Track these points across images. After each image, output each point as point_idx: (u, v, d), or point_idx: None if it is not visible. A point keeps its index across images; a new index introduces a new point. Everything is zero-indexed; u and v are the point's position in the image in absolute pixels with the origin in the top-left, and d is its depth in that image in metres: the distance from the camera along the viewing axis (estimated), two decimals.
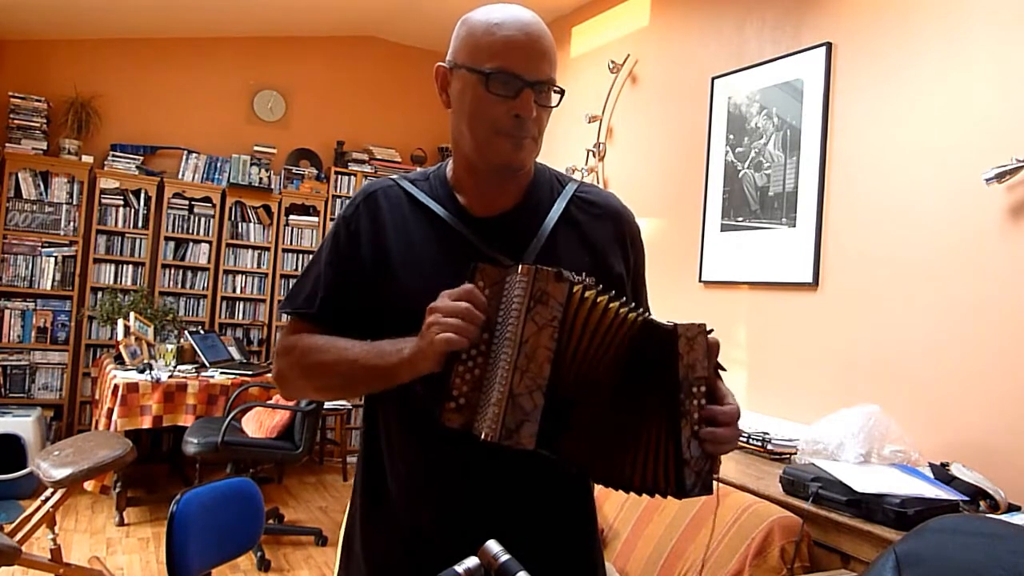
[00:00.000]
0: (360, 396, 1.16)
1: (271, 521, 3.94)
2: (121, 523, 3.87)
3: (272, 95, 5.69)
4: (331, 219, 5.70)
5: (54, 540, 2.93)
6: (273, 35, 5.65)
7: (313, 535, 3.86)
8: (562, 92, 1.09)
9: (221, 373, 4.32)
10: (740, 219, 3.27)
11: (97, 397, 4.52)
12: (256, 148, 5.53)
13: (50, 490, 2.96)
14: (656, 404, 0.93)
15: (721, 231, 3.37)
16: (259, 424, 3.86)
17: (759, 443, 2.66)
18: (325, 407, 4.26)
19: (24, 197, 4.85)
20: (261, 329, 5.57)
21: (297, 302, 1.15)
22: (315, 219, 5.69)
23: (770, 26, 3.22)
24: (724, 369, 1.01)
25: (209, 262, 5.37)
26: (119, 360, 4.36)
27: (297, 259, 5.65)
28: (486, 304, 0.92)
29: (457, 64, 1.08)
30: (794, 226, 2.99)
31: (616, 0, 4.32)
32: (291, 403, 3.80)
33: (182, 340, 4.69)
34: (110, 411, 3.89)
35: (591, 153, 4.32)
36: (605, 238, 1.16)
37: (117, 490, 3.92)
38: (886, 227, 2.64)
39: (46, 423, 4.64)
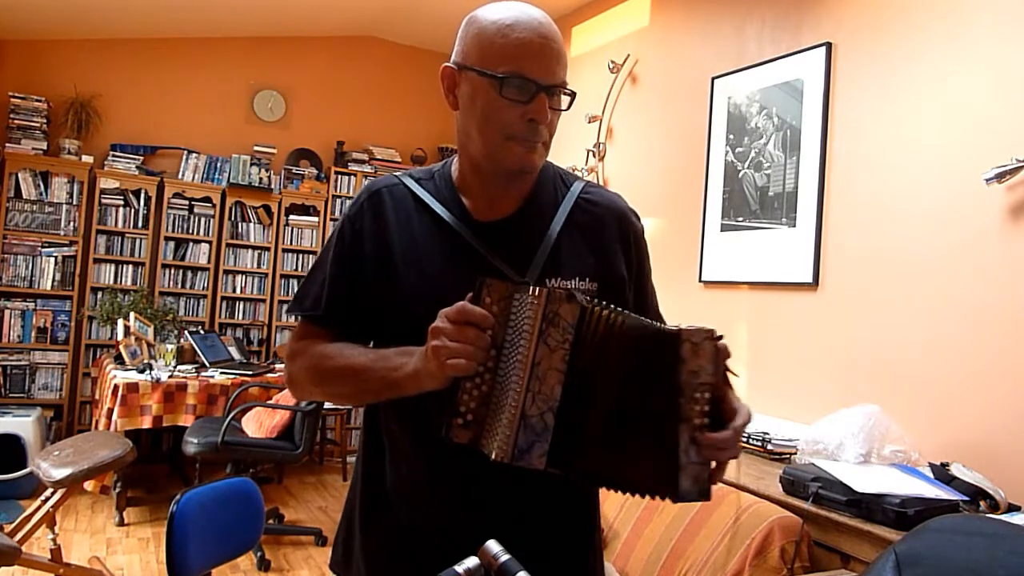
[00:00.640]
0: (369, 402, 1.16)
1: (271, 521, 3.94)
2: (121, 523, 3.87)
3: (272, 95, 5.69)
4: (331, 219, 5.70)
5: (54, 540, 2.93)
6: (273, 35, 5.65)
7: (313, 535, 3.86)
8: (573, 95, 1.07)
9: (221, 373, 4.32)
10: (740, 219, 3.27)
11: (97, 397, 4.51)
12: (256, 148, 5.53)
13: (50, 490, 2.96)
14: (657, 408, 0.93)
15: (721, 231, 3.37)
16: (259, 424, 3.86)
17: (759, 443, 2.66)
18: (325, 407, 4.26)
19: (24, 197, 4.85)
20: (261, 329, 5.57)
21: (305, 304, 1.15)
22: (315, 219, 5.69)
23: (770, 26, 3.22)
24: (736, 375, 1.00)
25: (209, 262, 5.37)
26: (119, 360, 4.36)
27: (297, 259, 5.65)
28: (494, 322, 0.91)
29: (467, 66, 1.06)
30: (794, 226, 2.99)
31: (616, 0, 4.32)
32: (291, 403, 3.80)
33: (182, 340, 4.68)
34: (110, 411, 3.89)
35: (591, 153, 4.32)
36: (608, 240, 1.15)
37: (117, 490, 3.92)
38: (886, 227, 2.64)
39: (46, 423, 4.64)
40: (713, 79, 3.48)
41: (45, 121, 4.90)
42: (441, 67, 1.10)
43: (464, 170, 1.13)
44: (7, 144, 4.80)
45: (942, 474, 2.07)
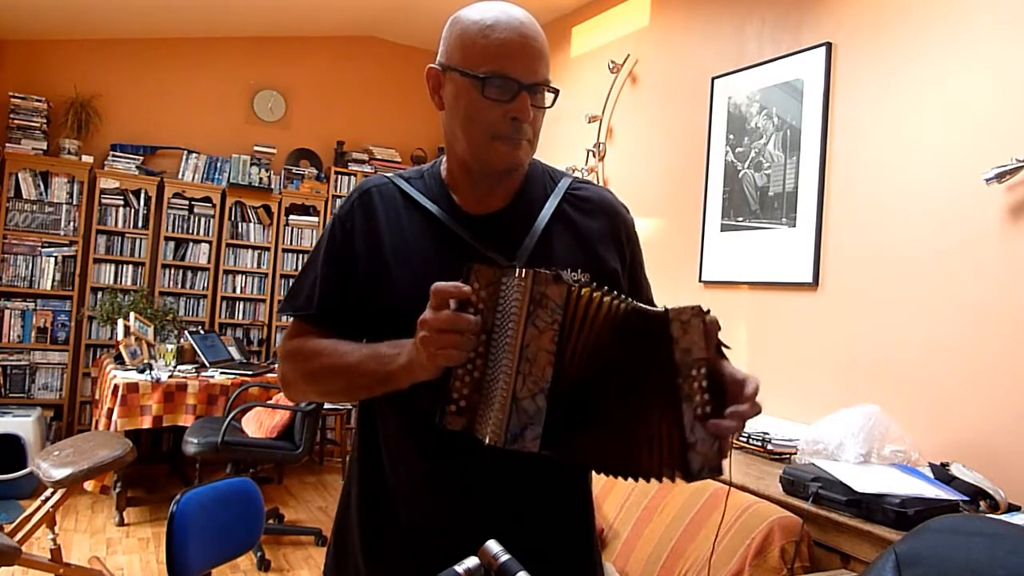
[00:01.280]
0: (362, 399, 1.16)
1: (271, 521, 3.94)
2: (121, 523, 3.87)
3: (272, 95, 5.69)
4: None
5: (54, 540, 2.93)
6: (273, 35, 5.65)
7: (313, 535, 3.86)
8: (556, 92, 1.08)
9: (221, 373, 4.32)
10: (740, 219, 3.27)
11: (97, 397, 4.52)
12: (256, 148, 5.53)
13: (50, 490, 2.96)
14: (656, 391, 0.92)
15: (721, 231, 3.37)
16: (259, 424, 3.86)
17: (759, 443, 2.66)
18: (325, 407, 4.26)
19: (24, 197, 4.85)
20: (261, 329, 5.57)
21: (296, 303, 1.15)
22: (315, 219, 5.69)
23: (770, 26, 3.22)
24: (728, 347, 1.00)
25: (209, 262, 5.37)
26: (119, 360, 4.36)
27: (297, 259, 5.65)
28: (482, 307, 0.92)
29: (450, 66, 1.07)
30: (794, 226, 2.99)
31: (616, 0, 4.32)
32: (291, 403, 3.80)
33: (182, 340, 4.68)
34: (110, 411, 3.89)
35: (591, 153, 4.32)
36: (599, 234, 1.15)
37: (117, 490, 3.92)
38: (886, 227, 2.64)
39: (46, 423, 4.64)
40: (713, 79, 3.48)
41: (45, 121, 4.90)
42: (426, 68, 1.11)
43: (453, 168, 1.14)
44: (7, 144, 4.80)
45: (942, 474, 2.07)
